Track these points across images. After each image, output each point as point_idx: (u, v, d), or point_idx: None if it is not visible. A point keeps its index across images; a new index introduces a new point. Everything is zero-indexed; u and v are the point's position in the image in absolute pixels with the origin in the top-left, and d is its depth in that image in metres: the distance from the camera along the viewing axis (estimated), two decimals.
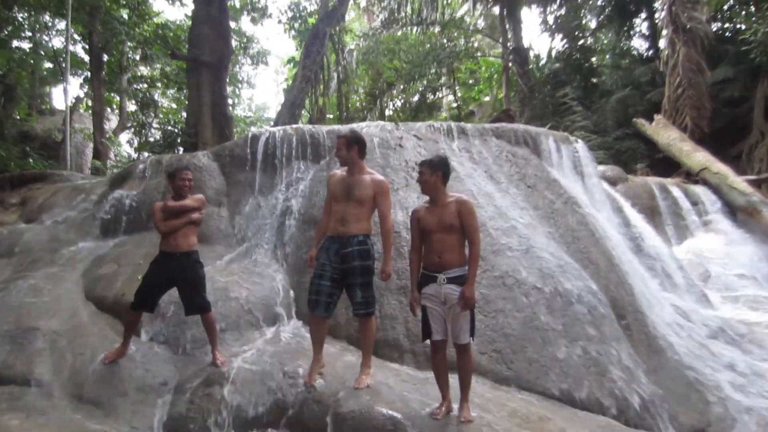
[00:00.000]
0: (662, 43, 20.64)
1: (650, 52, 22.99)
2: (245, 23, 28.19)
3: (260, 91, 72.61)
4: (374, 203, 5.08)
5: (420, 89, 30.19)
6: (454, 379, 4.61)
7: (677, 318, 8.29)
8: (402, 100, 31.93)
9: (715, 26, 20.06)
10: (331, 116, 28.29)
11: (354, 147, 5.13)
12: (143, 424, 5.00)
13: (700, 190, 14.15)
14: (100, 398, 5.20)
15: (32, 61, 25.47)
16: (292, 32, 25.85)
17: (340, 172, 5.31)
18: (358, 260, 4.93)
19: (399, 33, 27.73)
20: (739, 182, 13.67)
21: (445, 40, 27.44)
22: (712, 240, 12.48)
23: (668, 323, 7.88)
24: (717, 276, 11.26)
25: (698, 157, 15.24)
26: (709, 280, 11.11)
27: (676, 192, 13.83)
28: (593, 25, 25.65)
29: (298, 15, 25.67)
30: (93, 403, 5.16)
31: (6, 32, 21.17)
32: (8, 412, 4.71)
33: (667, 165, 16.93)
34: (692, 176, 15.27)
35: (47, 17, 23.83)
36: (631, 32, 24.09)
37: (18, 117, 22.54)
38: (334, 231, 5.03)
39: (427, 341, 4.68)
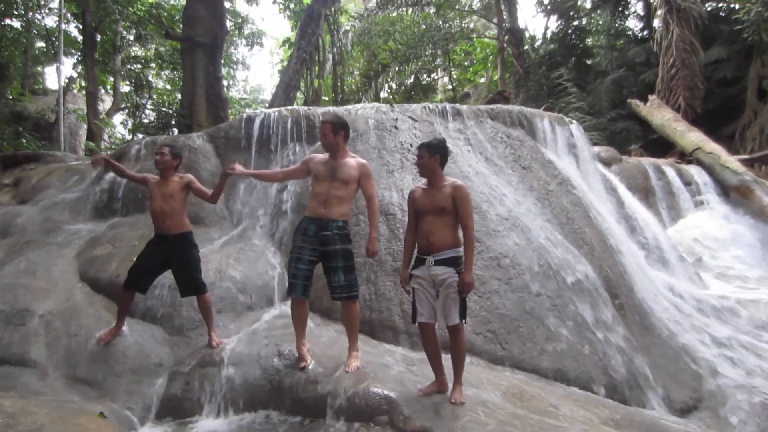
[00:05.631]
0: (656, 24, 20.59)
1: (645, 32, 22.94)
2: (240, 3, 28.12)
3: (255, 72, 72.16)
4: (358, 185, 5.09)
5: (415, 71, 30.04)
6: (449, 360, 4.63)
7: (670, 297, 8.36)
8: (397, 82, 31.83)
9: (708, 6, 20.00)
10: (327, 98, 28.17)
11: (340, 132, 5.12)
12: (139, 404, 5.02)
13: (693, 171, 14.18)
14: (95, 379, 5.21)
15: (25, 40, 25.06)
16: (287, 13, 25.55)
17: (320, 155, 5.30)
18: (339, 244, 4.95)
19: (394, 14, 27.57)
20: (732, 162, 13.69)
21: (440, 21, 27.23)
22: (705, 219, 12.54)
23: (661, 302, 7.95)
24: (709, 255, 11.35)
25: (692, 137, 15.26)
26: (701, 260, 11.20)
27: (670, 172, 13.85)
28: (588, 5, 25.54)
29: None
30: (88, 383, 5.17)
31: None
32: (2, 393, 4.70)
33: (661, 145, 17.01)
34: (686, 156, 15.32)
35: None
36: (626, 12, 23.91)
37: (11, 97, 22.38)
38: (315, 212, 5.02)
39: None
